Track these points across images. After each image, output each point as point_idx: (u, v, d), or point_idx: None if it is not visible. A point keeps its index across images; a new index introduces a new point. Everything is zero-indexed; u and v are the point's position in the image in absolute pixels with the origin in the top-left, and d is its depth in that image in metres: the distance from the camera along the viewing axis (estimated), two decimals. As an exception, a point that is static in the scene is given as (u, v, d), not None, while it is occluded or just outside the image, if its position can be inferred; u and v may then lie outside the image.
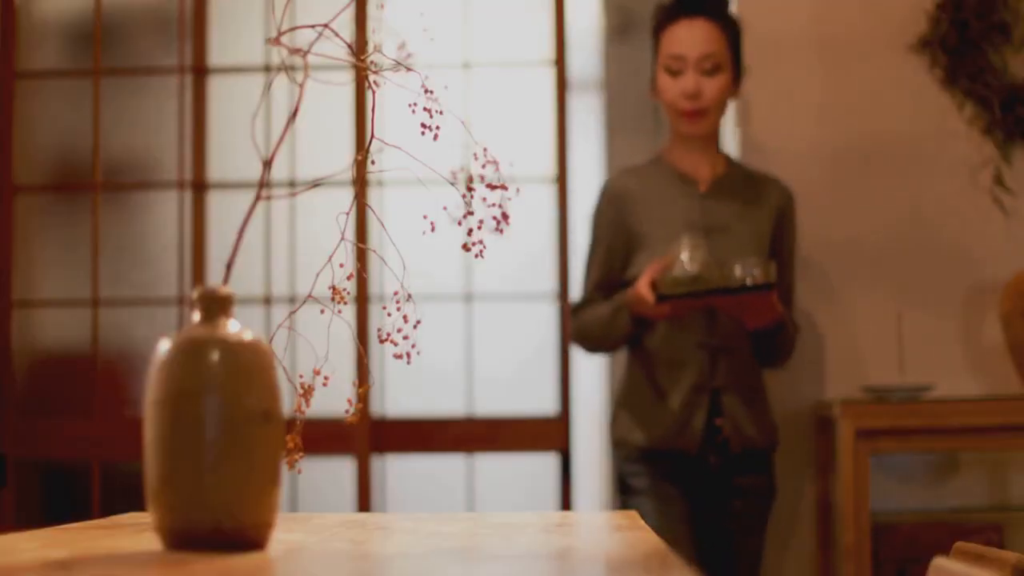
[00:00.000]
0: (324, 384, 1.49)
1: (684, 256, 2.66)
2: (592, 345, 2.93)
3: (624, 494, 2.88)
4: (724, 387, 2.81)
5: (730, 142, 3.51)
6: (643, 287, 2.65)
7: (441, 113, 1.45)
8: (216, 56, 3.65)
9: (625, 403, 2.91)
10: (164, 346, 1.24)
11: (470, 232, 1.46)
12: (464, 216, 1.46)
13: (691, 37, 2.83)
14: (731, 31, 2.89)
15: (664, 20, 2.89)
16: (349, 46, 1.40)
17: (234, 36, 3.70)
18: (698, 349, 2.80)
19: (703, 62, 2.83)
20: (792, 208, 2.97)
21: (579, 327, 2.92)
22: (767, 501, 2.90)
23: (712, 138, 2.92)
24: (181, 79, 3.61)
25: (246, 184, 3.61)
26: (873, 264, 3.35)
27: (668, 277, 2.65)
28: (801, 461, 3.32)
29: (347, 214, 1.48)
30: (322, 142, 3.57)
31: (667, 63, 2.86)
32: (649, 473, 2.82)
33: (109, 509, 2.90)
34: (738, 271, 2.63)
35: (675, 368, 2.81)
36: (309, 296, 1.52)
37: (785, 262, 2.91)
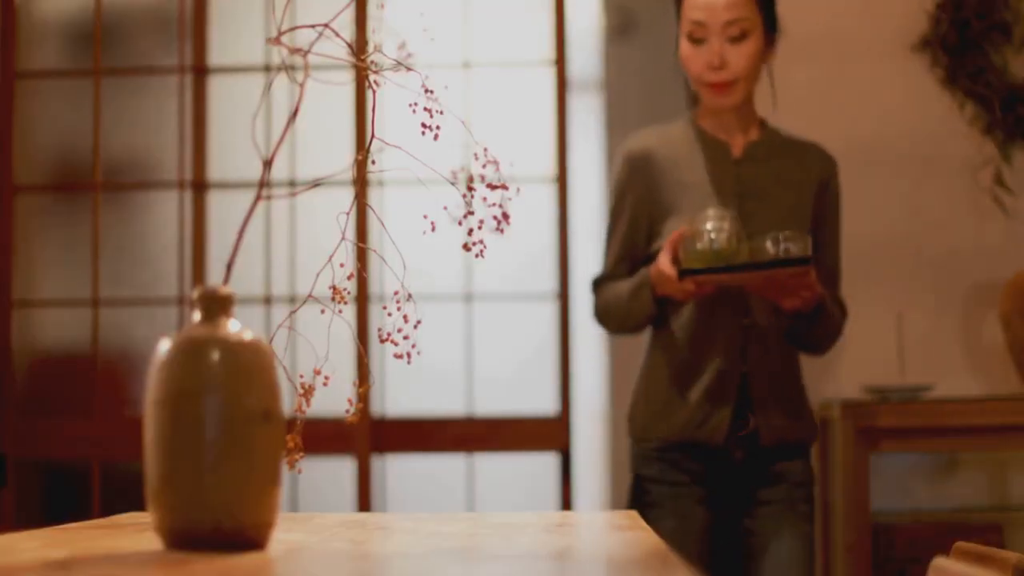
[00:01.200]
0: (324, 384, 1.50)
1: (709, 227, 2.37)
2: (613, 325, 2.66)
3: (640, 503, 2.58)
4: (753, 372, 2.50)
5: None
6: (664, 262, 2.41)
7: (441, 113, 1.45)
8: (216, 56, 3.65)
9: (644, 392, 2.61)
10: (164, 346, 1.24)
11: (470, 232, 1.46)
12: (464, 216, 1.46)
13: (714, 0, 2.51)
14: None
15: None
16: (349, 46, 1.40)
17: (234, 36, 3.70)
18: (728, 328, 2.51)
19: (728, 27, 2.50)
20: (836, 178, 2.68)
21: (599, 305, 2.66)
22: (805, 488, 2.54)
23: (744, 107, 2.60)
24: (181, 79, 3.61)
25: (246, 184, 3.61)
26: (873, 264, 3.35)
27: (692, 251, 2.38)
28: (801, 461, 3.32)
29: (347, 214, 1.48)
30: (322, 142, 3.57)
31: (689, 30, 2.53)
32: (667, 479, 2.54)
33: (109, 509, 2.90)
34: (769, 244, 2.34)
35: (702, 350, 2.52)
36: (309, 296, 1.52)
37: (828, 238, 2.64)
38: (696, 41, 2.52)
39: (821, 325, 2.55)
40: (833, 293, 2.63)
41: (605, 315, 2.65)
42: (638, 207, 2.60)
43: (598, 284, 2.68)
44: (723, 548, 2.56)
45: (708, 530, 2.53)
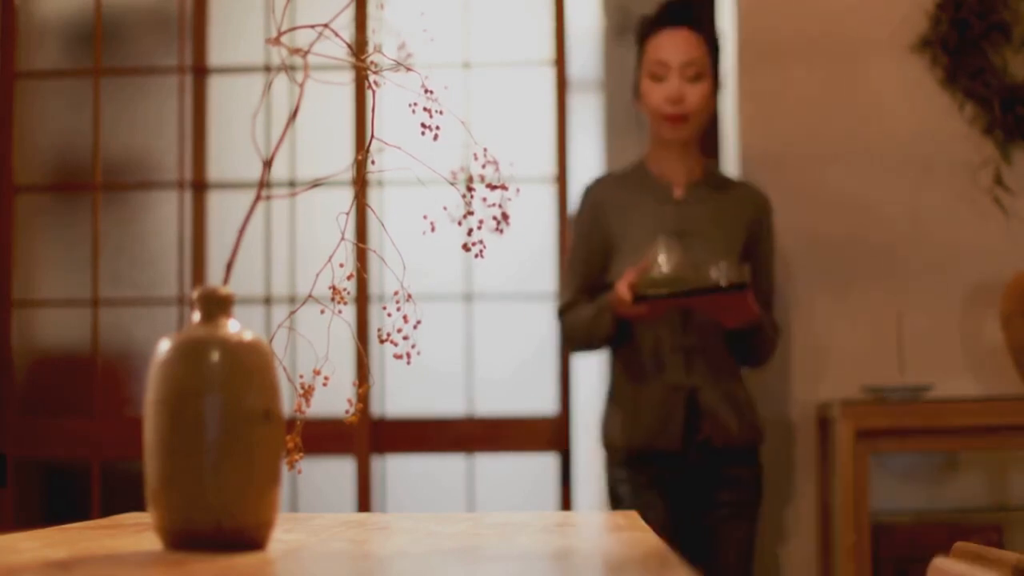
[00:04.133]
0: (324, 384, 1.50)
1: (661, 258, 2.74)
2: (577, 346, 3.02)
3: (613, 501, 2.97)
4: (701, 386, 2.87)
5: (730, 141, 3.51)
6: (623, 288, 2.73)
7: (441, 113, 1.45)
8: (216, 56, 3.65)
9: (609, 405, 3.00)
10: (164, 346, 1.24)
11: (470, 232, 1.46)
12: (464, 216, 1.46)
13: (675, 45, 2.92)
14: (713, 42, 2.97)
15: (649, 29, 2.97)
16: (349, 46, 1.40)
17: (234, 36, 3.70)
18: (673, 351, 2.88)
19: (686, 68, 2.91)
20: (768, 215, 3.02)
21: (565, 329, 3.03)
22: (753, 492, 2.93)
23: (692, 144, 2.98)
24: (181, 79, 3.61)
25: (246, 184, 3.61)
26: (873, 264, 3.35)
27: (646, 278, 2.73)
28: (801, 461, 3.32)
29: (347, 214, 1.48)
30: (322, 142, 3.57)
31: (652, 69, 2.93)
32: (631, 480, 2.91)
33: (109, 509, 2.90)
34: (713, 272, 2.70)
35: (653, 369, 2.89)
36: (309, 296, 1.52)
37: (762, 268, 2.98)
38: (657, 79, 2.92)
39: (758, 342, 2.91)
40: (767, 314, 2.95)
41: (571, 337, 3.00)
42: (593, 243, 2.98)
43: (563, 312, 3.02)
44: (683, 537, 2.90)
45: (668, 522, 2.88)
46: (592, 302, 2.95)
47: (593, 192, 3.04)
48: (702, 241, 2.91)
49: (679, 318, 2.88)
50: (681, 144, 2.96)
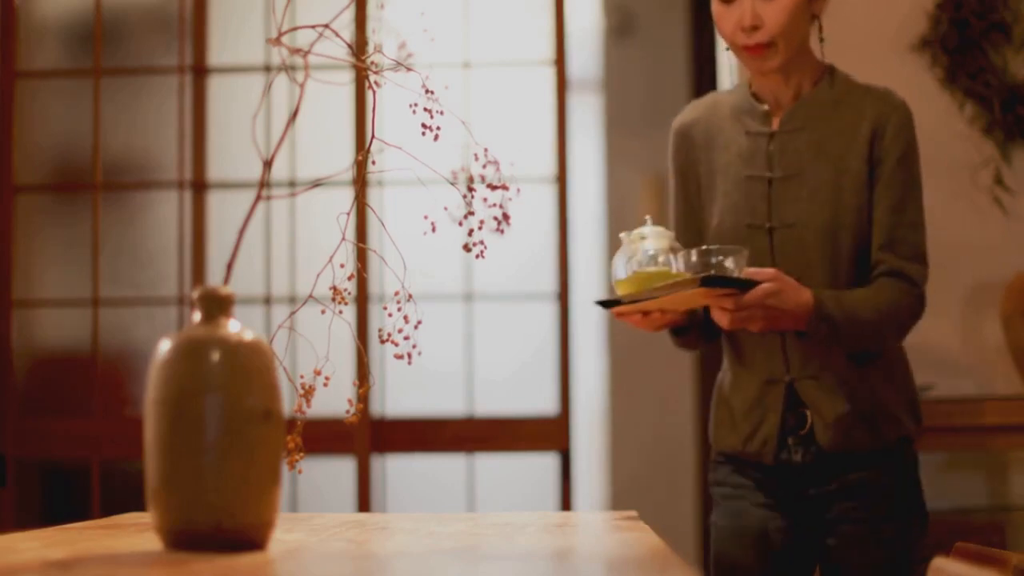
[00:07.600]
0: (324, 384, 1.50)
1: (646, 245, 2.12)
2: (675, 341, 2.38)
3: (709, 508, 2.41)
4: (800, 379, 2.21)
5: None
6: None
7: (441, 113, 1.45)
8: (216, 56, 3.65)
9: (712, 402, 2.39)
10: (164, 346, 1.24)
11: (471, 232, 1.46)
12: (465, 216, 1.46)
13: None
14: None
15: None
16: (349, 46, 1.41)
17: (234, 36, 3.70)
18: (766, 335, 2.22)
19: None
20: (897, 121, 2.23)
21: None
22: (883, 505, 2.22)
23: (794, 65, 2.25)
24: (181, 79, 3.61)
25: (246, 184, 3.61)
26: (873, 264, 3.35)
27: (619, 279, 2.14)
28: (801, 461, 3.31)
29: (347, 214, 1.48)
30: (322, 142, 3.57)
31: None
32: (730, 483, 2.30)
33: (109, 509, 2.90)
34: (695, 260, 2.05)
35: (748, 359, 2.27)
36: (309, 296, 1.52)
37: (885, 196, 2.21)
38: (726, 1, 2.22)
39: (847, 334, 2.17)
40: (912, 267, 2.22)
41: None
42: (686, 190, 2.34)
43: None
44: (797, 559, 2.29)
45: (767, 534, 2.25)
46: None
47: (679, 123, 2.37)
48: (799, 184, 2.23)
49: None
50: (777, 70, 2.25)
